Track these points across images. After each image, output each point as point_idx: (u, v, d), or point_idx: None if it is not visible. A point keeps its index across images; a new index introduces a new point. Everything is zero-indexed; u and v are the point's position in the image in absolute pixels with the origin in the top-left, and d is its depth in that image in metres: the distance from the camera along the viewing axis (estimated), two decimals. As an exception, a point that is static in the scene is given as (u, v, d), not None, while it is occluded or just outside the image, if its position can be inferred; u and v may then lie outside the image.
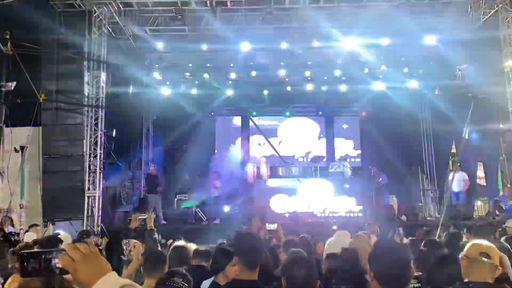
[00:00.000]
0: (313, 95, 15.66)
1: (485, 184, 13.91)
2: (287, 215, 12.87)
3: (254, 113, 17.19)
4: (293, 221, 9.68)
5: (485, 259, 2.51)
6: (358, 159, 17.25)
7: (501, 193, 12.32)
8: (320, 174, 14.87)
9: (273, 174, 15.58)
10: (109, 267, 1.35)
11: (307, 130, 17.54)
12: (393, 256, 2.18)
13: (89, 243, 1.41)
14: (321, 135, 17.55)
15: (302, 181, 14.06)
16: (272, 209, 13.36)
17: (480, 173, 14.43)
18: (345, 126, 17.69)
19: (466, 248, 2.70)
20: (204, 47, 12.36)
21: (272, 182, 14.48)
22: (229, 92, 15.39)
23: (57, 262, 1.33)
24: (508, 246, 4.16)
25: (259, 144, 17.22)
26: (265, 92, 15.66)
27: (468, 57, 11.96)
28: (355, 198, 13.40)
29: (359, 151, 17.41)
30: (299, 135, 17.36)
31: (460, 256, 2.73)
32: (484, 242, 2.68)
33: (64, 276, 1.35)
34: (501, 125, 12.21)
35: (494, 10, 11.32)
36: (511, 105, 11.01)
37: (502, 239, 6.44)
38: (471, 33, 11.68)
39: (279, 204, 13.53)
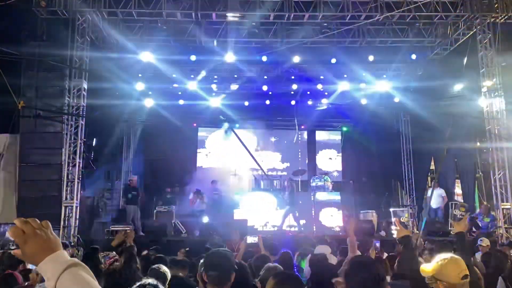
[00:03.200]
0: (295, 109, 15.81)
1: (462, 201, 14.14)
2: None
3: (237, 125, 17.19)
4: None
5: (467, 280, 2.46)
6: (339, 174, 17.37)
7: (477, 210, 12.54)
8: (301, 188, 14.91)
9: (255, 187, 15.55)
10: (59, 245, 1.32)
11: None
12: (368, 273, 2.20)
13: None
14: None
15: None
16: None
17: (458, 190, 14.68)
18: (327, 140, 17.83)
19: (438, 269, 2.51)
20: (192, 58, 12.39)
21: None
22: (213, 104, 15.39)
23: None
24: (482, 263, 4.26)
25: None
26: (246, 103, 15.72)
27: (447, 76, 12.25)
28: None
29: (340, 166, 17.54)
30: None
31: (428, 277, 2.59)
32: (458, 260, 2.56)
33: (13, 251, 1.32)
34: (478, 143, 12.50)
35: (472, 32, 11.66)
36: (487, 124, 11.27)
37: (477, 255, 6.55)
38: (450, 53, 11.99)
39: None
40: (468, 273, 2.47)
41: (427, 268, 2.55)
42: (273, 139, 17.54)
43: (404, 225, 3.36)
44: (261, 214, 13.00)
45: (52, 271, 1.25)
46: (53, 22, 10.60)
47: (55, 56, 10.44)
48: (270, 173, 16.66)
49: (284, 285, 2.59)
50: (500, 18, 11.22)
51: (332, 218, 13.11)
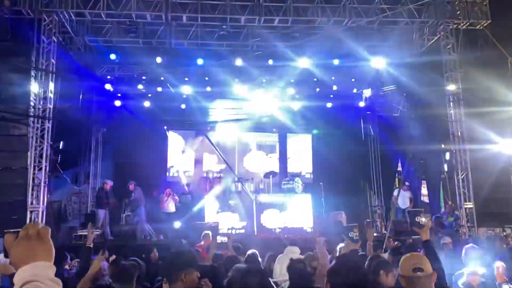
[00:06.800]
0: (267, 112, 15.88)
1: (428, 201, 14.57)
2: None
3: (209, 128, 17.10)
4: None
5: (420, 274, 2.53)
6: (310, 176, 17.53)
7: (442, 209, 12.94)
8: (272, 189, 14.98)
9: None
10: (50, 255, 1.27)
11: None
12: (353, 272, 2.31)
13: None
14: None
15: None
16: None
17: (424, 190, 15.10)
18: (297, 143, 17.98)
19: (400, 266, 2.67)
20: (158, 60, 12.30)
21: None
22: (183, 106, 15.30)
23: None
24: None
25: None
26: (219, 107, 15.69)
27: (413, 80, 12.60)
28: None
29: (311, 168, 17.71)
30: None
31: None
32: (416, 255, 2.71)
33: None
34: (442, 145, 12.91)
35: (436, 37, 12.05)
36: (451, 127, 11.66)
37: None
38: (415, 57, 12.35)
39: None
40: (421, 267, 2.53)
41: None
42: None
43: (353, 240, 3.65)
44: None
45: (17, 280, 1.20)
46: (18, 22, 10.32)
47: (21, 57, 10.17)
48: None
49: (248, 277, 2.64)
50: (462, 24, 11.65)
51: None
